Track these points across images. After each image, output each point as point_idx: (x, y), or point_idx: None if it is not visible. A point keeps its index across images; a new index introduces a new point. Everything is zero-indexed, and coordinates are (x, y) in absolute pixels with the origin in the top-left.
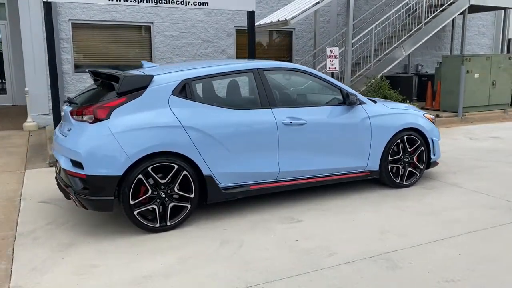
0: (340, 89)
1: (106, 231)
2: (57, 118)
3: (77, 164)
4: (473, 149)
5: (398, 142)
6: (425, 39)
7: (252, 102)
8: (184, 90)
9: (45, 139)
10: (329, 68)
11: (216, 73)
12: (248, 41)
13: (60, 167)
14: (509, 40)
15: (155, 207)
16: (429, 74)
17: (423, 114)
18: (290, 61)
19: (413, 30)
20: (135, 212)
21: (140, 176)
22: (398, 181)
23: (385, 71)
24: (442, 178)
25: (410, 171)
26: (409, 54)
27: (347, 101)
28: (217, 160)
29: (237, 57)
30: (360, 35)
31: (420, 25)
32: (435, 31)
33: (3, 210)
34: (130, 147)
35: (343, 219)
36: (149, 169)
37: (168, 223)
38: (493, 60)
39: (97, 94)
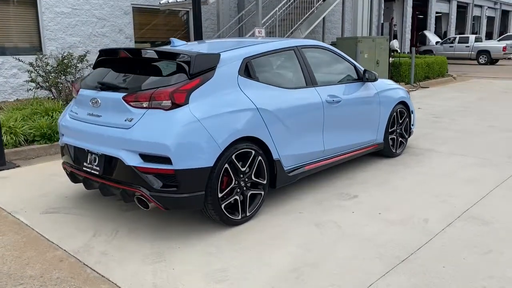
0: (355, 66)
1: (175, 232)
2: None
3: (154, 158)
4: None
5: (394, 115)
6: (317, 22)
7: (299, 81)
8: (247, 69)
9: None
10: None
11: (268, 51)
12: (194, 18)
13: (101, 164)
14: (382, 24)
15: (237, 197)
16: None
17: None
18: (189, 41)
19: (308, 14)
20: (222, 206)
21: (226, 165)
22: (394, 151)
23: None
24: (413, 145)
25: (400, 141)
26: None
27: (364, 78)
28: (283, 143)
29: (136, 38)
30: (266, 18)
31: (312, 9)
32: (324, 14)
33: (8, 228)
34: (219, 134)
35: (387, 189)
36: (233, 157)
37: (248, 214)
38: (377, 42)
39: (142, 76)
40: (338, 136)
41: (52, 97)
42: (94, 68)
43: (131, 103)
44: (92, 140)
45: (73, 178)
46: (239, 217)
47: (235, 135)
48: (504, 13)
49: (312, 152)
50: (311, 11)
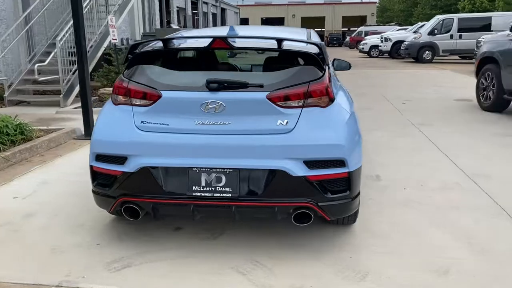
0: None
1: (314, 244)
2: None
3: (320, 163)
4: None
5: None
6: (128, 8)
7: None
8: None
9: None
10: (113, 39)
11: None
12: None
13: (234, 182)
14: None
15: None
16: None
17: None
18: None
19: (116, 7)
20: None
21: None
22: None
23: (106, 43)
24: None
25: None
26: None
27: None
28: None
29: None
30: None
31: (118, 2)
32: (127, 8)
33: None
34: (359, 129)
35: (380, 165)
36: None
37: None
38: None
39: (267, 70)
40: None
41: None
42: (134, 63)
43: (279, 103)
44: (217, 154)
45: (156, 212)
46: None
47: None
48: (223, 11)
49: None
50: (117, 4)
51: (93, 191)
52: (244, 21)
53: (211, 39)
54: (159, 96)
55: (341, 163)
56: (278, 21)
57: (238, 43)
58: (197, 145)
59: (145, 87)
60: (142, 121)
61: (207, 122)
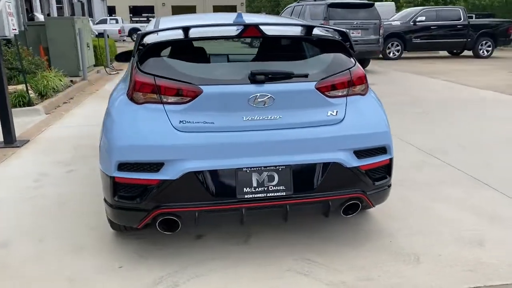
0: None
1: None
2: None
3: (366, 152)
4: None
5: None
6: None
7: None
8: None
9: None
10: (13, 29)
11: None
12: None
13: (287, 179)
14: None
15: None
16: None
17: None
18: None
19: None
20: None
21: None
22: None
23: None
24: None
25: None
26: None
27: None
28: None
29: None
30: None
31: None
32: None
33: None
34: None
35: None
36: None
37: None
38: (84, 23)
39: (302, 59)
40: None
41: None
42: (150, 55)
43: (327, 93)
44: (269, 151)
45: (200, 221)
46: None
47: None
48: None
49: None
50: None
51: (113, 206)
52: (111, 10)
53: (242, 27)
54: (199, 92)
55: (383, 150)
56: (148, 10)
57: (270, 31)
58: (248, 143)
59: (180, 83)
60: (180, 121)
61: (257, 117)
